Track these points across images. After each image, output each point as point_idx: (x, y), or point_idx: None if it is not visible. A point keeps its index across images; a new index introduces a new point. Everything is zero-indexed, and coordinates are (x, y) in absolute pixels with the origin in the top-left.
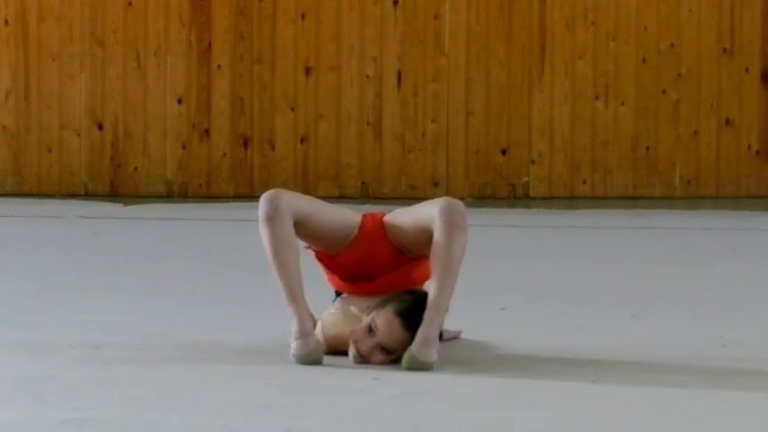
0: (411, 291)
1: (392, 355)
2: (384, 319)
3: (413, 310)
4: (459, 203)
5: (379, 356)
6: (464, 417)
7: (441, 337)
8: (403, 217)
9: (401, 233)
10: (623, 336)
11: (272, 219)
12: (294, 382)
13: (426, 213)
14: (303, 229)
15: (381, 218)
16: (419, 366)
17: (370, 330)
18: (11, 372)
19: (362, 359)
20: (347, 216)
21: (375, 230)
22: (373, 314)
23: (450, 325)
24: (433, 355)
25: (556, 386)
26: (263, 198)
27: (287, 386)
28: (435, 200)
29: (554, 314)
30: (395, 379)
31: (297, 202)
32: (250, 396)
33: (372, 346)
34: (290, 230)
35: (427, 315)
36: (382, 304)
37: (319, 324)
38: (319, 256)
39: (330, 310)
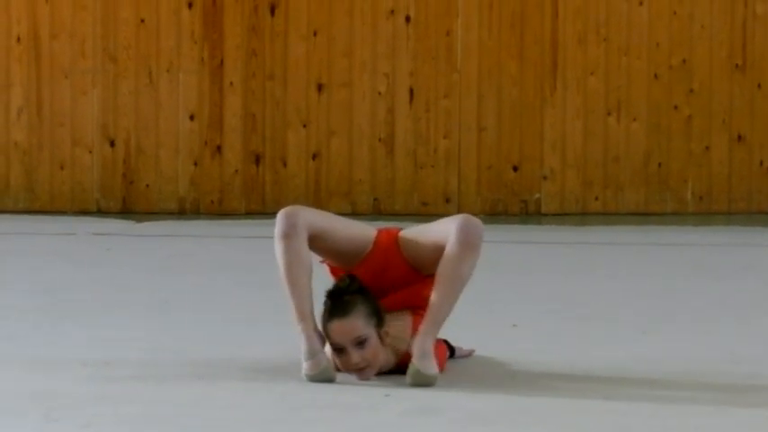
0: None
1: (373, 341)
2: (331, 331)
3: (335, 301)
4: (479, 223)
5: (367, 353)
6: None
7: (452, 354)
8: (420, 233)
9: (416, 249)
10: (634, 352)
11: (289, 236)
12: (306, 398)
13: (443, 229)
14: (319, 243)
15: (397, 233)
16: (423, 380)
17: (338, 350)
18: (21, 388)
19: (364, 372)
20: (362, 231)
21: (389, 246)
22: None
23: (463, 341)
24: (432, 366)
25: (567, 403)
26: (281, 215)
27: (299, 403)
28: (455, 216)
29: (565, 330)
30: (406, 395)
31: (313, 218)
32: (262, 412)
33: (353, 353)
34: (305, 248)
35: (423, 328)
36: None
37: (328, 343)
38: (334, 271)
39: None
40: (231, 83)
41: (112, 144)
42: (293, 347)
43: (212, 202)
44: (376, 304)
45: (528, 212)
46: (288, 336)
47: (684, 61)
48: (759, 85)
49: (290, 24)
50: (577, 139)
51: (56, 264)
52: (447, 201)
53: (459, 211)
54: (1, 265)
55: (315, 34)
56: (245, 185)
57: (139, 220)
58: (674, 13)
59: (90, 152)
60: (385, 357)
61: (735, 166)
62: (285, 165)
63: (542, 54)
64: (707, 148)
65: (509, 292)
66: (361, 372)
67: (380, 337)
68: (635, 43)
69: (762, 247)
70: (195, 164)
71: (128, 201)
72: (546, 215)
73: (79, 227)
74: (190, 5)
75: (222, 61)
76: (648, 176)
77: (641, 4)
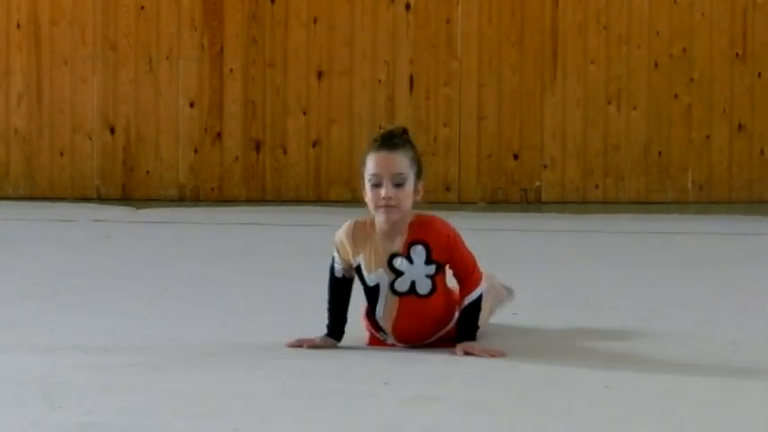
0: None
1: (408, 186)
2: (376, 161)
3: (386, 138)
4: None
5: (400, 193)
6: (475, 421)
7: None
8: None
9: None
10: (635, 340)
11: None
12: (306, 386)
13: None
14: None
15: None
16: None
17: (376, 186)
18: (23, 375)
19: (390, 211)
20: None
21: None
22: (364, 176)
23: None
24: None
25: (568, 391)
26: None
27: (299, 391)
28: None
29: (565, 319)
30: (406, 384)
31: None
32: (261, 401)
33: (388, 188)
34: None
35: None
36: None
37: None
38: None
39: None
40: (231, 70)
41: (112, 131)
42: (293, 335)
43: (212, 189)
44: (420, 159)
45: (528, 201)
46: (287, 323)
47: (685, 50)
48: (759, 74)
49: (291, 12)
50: (577, 127)
51: (56, 251)
52: (447, 189)
53: (459, 199)
54: (1, 252)
55: (315, 22)
56: (245, 172)
57: (139, 207)
58: (675, 1)
59: (90, 139)
60: (409, 205)
61: (735, 155)
62: (285, 152)
63: (542, 42)
64: (707, 136)
65: (509, 280)
66: (388, 209)
67: (415, 189)
68: (635, 32)
69: (762, 235)
70: (195, 151)
71: (128, 188)
72: (546, 203)
73: (79, 213)
74: None
75: (222, 48)
76: (649, 165)
77: None
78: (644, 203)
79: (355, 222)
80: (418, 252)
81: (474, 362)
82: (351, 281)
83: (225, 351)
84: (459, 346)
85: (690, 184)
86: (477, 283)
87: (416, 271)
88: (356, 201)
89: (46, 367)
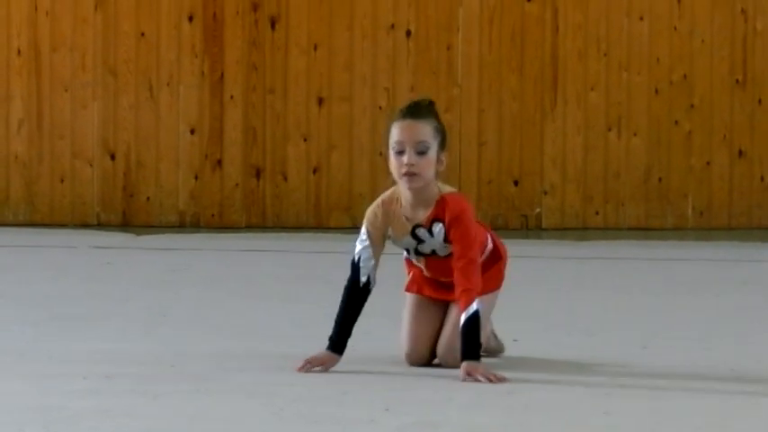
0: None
1: (431, 154)
2: (400, 128)
3: (411, 106)
4: None
5: (422, 161)
6: None
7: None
8: None
9: None
10: (634, 367)
11: None
12: (304, 412)
13: None
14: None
15: None
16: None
17: (399, 153)
18: (22, 401)
19: (413, 179)
20: None
21: None
22: (389, 145)
23: None
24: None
25: (567, 417)
26: None
27: (296, 417)
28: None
29: (566, 345)
30: (406, 410)
31: None
32: (259, 427)
33: (410, 155)
34: None
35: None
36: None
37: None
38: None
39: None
40: (232, 96)
41: (113, 157)
42: (292, 360)
43: (212, 215)
44: (445, 131)
45: (528, 227)
46: (285, 350)
47: (685, 76)
48: (759, 101)
49: (291, 38)
50: (578, 153)
51: (55, 277)
52: None
53: None
54: (1, 279)
55: (315, 48)
56: (246, 199)
57: (139, 234)
58: (675, 28)
59: (90, 165)
60: (431, 174)
61: (735, 181)
62: (285, 178)
63: (543, 69)
64: (707, 163)
65: (509, 306)
66: (410, 177)
67: (438, 160)
68: (635, 58)
69: (762, 262)
70: (196, 177)
71: (128, 214)
72: (546, 230)
73: (79, 240)
74: (190, 19)
75: (222, 75)
76: (649, 191)
77: (642, 19)
78: (644, 230)
79: (380, 203)
80: (438, 229)
81: (474, 387)
82: (368, 292)
83: (223, 376)
84: (464, 367)
85: (690, 211)
86: (471, 295)
87: (436, 242)
88: (356, 228)
89: (44, 393)
